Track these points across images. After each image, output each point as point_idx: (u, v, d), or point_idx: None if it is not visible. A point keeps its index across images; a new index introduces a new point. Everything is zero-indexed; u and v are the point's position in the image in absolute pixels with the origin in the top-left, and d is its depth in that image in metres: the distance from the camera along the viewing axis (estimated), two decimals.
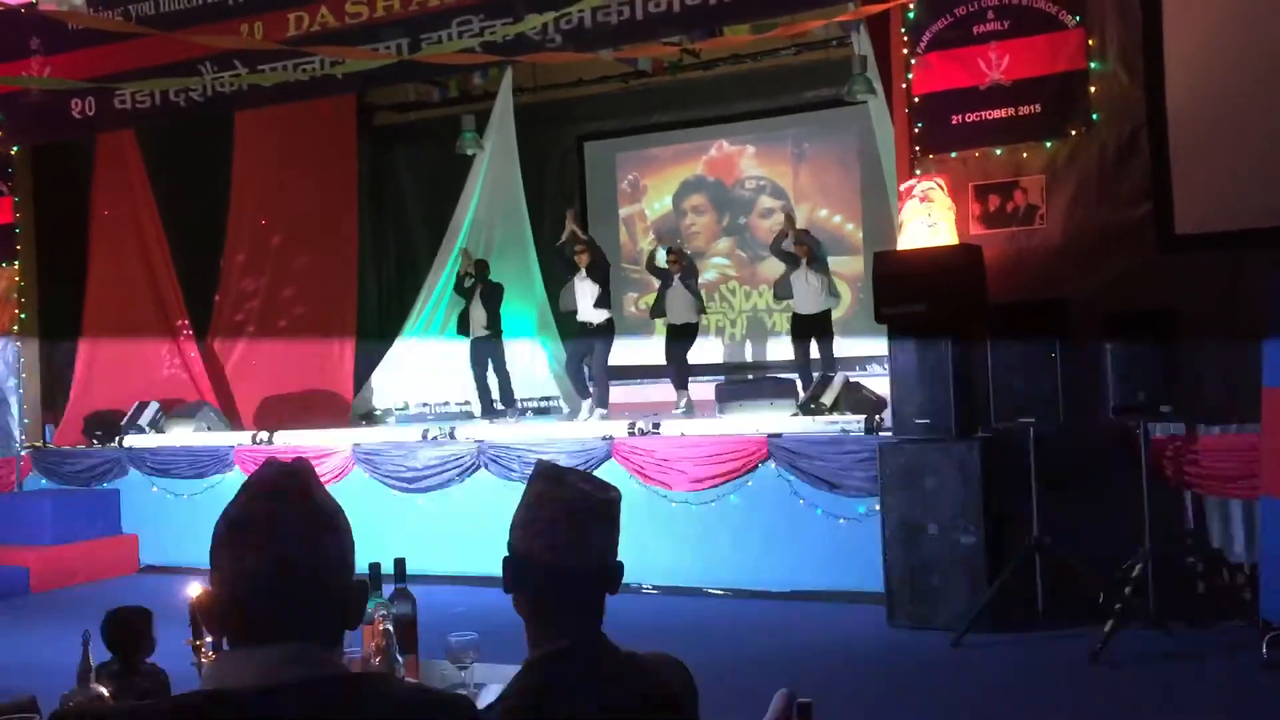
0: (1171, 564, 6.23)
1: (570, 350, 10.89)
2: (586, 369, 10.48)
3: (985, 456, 6.51)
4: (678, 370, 10.41)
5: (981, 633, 6.20)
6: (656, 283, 10.90)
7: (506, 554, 1.94)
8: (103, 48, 9.69)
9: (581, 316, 10.39)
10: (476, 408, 10.96)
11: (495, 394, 10.82)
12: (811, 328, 10.03)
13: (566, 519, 1.91)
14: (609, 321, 10.35)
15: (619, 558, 1.98)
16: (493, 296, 10.84)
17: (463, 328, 11.01)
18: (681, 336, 10.53)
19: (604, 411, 10.07)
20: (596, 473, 8.56)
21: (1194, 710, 5.21)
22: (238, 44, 9.02)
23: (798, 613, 7.22)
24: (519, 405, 11.00)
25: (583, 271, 10.26)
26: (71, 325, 11.07)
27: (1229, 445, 6.31)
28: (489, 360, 10.79)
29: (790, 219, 10.39)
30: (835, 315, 10.22)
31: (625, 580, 2.01)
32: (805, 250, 9.95)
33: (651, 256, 11.15)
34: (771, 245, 10.50)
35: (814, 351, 9.99)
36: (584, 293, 10.30)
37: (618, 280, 13.08)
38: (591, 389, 10.32)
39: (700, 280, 11.14)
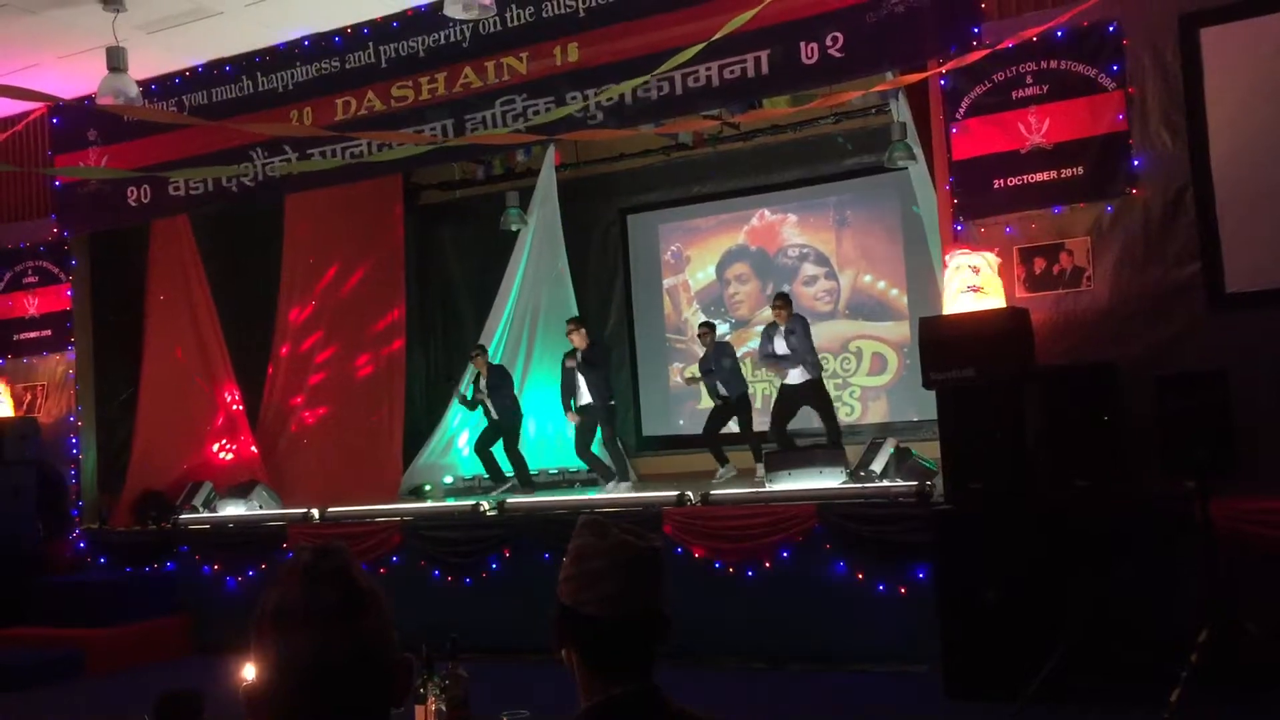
0: (1232, 628, 6.06)
1: (580, 435, 10.67)
2: (604, 449, 10.54)
3: (1039, 521, 6.41)
4: (717, 442, 10.45)
5: (1044, 702, 6.05)
6: (700, 350, 10.99)
7: (554, 608, 1.95)
8: (157, 137, 9.97)
9: (582, 401, 10.45)
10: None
11: (511, 472, 11.06)
12: (797, 397, 9.95)
13: (613, 570, 1.92)
14: (610, 406, 10.41)
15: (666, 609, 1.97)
16: (499, 383, 10.99)
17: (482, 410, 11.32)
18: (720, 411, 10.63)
19: (627, 484, 10.11)
20: None
21: None
22: (287, 131, 9.25)
23: (854, 683, 7.10)
24: (534, 483, 11.16)
25: (579, 356, 10.33)
26: (127, 407, 11.25)
27: None
28: (501, 442, 11.06)
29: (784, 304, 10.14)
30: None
31: (677, 650, 2.00)
32: (782, 314, 9.90)
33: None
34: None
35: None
36: (583, 379, 10.38)
37: (663, 350, 13.13)
38: (612, 466, 10.37)
39: (742, 351, 11.13)
